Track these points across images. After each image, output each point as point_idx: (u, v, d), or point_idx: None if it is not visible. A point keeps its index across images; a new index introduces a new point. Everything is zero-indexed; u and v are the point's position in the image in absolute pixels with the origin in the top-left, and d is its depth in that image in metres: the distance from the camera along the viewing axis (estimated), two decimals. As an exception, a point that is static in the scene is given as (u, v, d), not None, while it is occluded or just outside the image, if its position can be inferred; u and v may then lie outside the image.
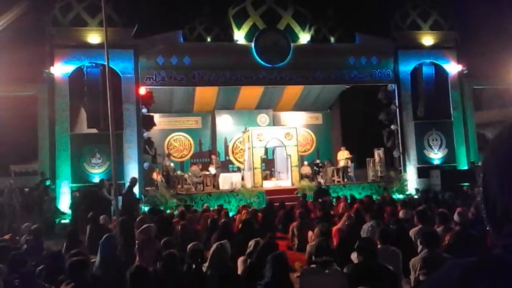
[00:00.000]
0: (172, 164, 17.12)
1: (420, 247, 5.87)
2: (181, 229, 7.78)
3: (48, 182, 13.32)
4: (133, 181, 12.22)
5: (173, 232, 8.04)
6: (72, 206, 12.52)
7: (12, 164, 16.36)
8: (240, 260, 5.29)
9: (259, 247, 5.05)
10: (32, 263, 5.21)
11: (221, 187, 16.19)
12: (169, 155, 17.94)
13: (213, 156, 18.25)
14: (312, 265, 4.32)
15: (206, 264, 5.06)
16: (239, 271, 5.19)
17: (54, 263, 5.17)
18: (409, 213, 7.55)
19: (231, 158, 19.77)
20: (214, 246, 4.92)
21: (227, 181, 16.32)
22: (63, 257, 5.35)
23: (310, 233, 7.71)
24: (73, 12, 14.58)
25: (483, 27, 18.09)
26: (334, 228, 7.70)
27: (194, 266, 4.85)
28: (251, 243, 5.26)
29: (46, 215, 12.65)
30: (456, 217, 6.47)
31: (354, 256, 5.39)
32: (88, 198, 12.13)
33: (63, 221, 13.00)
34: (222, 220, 8.40)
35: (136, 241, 6.29)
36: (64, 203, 13.53)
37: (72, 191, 13.44)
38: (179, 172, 17.37)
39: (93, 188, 13.03)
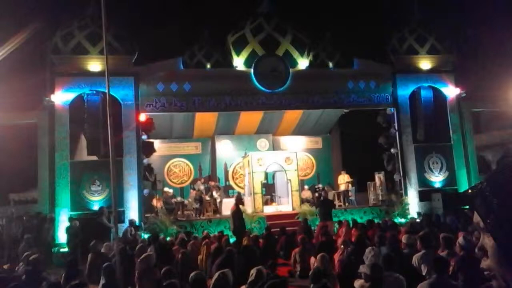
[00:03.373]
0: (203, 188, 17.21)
1: (424, 271, 5.79)
2: (181, 257, 7.67)
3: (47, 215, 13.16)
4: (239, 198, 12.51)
5: (173, 260, 7.93)
6: (70, 235, 12.37)
7: (11, 192, 16.27)
8: (242, 289, 5.20)
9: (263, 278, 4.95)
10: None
11: (223, 212, 16.08)
12: (200, 178, 17.93)
13: (211, 183, 18.14)
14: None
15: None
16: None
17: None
18: (412, 238, 7.47)
19: (231, 183, 19.70)
20: (216, 275, 4.84)
21: (228, 206, 16.19)
22: (62, 288, 5.26)
23: (312, 259, 7.60)
24: (74, 40, 14.72)
25: (479, 51, 18.32)
26: (336, 255, 7.62)
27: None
28: (253, 271, 5.17)
29: (44, 244, 12.48)
30: (461, 241, 6.40)
31: (357, 284, 5.31)
32: (87, 226, 12.01)
33: (61, 249, 12.84)
34: (227, 248, 8.28)
35: (136, 271, 6.20)
36: (64, 231, 13.37)
37: (71, 219, 13.27)
38: (179, 198, 17.27)
39: (92, 216, 12.92)
